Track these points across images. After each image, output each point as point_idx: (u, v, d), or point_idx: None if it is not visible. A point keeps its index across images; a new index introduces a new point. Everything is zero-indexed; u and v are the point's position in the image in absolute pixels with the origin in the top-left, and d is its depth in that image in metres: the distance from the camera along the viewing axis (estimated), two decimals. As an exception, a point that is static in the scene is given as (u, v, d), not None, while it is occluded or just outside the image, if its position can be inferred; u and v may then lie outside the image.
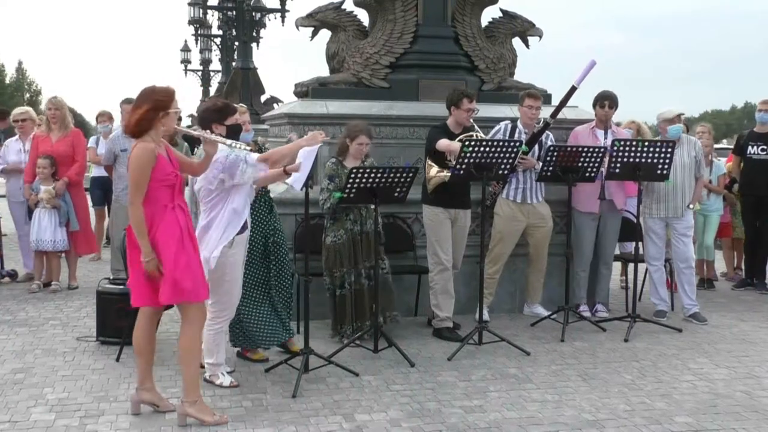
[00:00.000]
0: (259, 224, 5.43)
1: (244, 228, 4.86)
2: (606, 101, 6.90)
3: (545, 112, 6.74)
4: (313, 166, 5.00)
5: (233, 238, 4.76)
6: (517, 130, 6.69)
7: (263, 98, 16.78)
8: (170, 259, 4.14)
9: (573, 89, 6.52)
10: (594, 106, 7.00)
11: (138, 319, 4.43)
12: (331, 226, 5.96)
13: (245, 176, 4.69)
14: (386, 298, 6.01)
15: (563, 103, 6.63)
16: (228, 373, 5.08)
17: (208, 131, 4.53)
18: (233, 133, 4.88)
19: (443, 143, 6.08)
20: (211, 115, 4.88)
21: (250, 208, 5.23)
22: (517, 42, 8.07)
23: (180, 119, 10.05)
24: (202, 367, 4.98)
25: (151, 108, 4.20)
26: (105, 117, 10.22)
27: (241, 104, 5.53)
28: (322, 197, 5.87)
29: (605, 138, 6.83)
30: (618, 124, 7.73)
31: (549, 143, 6.75)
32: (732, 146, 9.38)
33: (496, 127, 6.74)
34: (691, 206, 7.00)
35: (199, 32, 23.17)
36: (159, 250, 4.16)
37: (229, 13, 18.64)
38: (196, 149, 5.44)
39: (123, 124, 8.04)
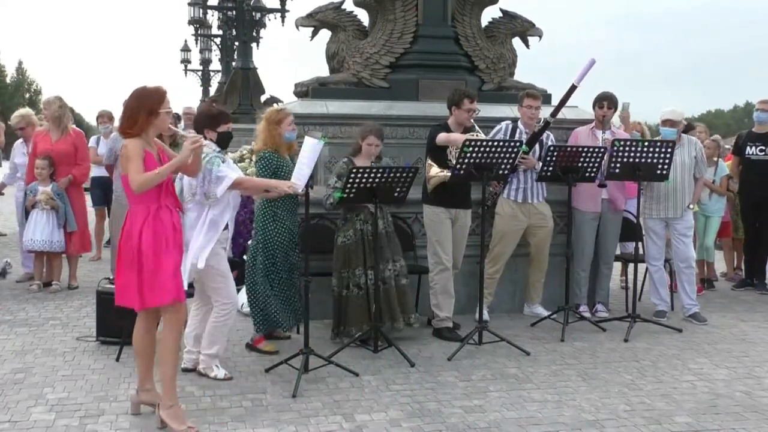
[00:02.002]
0: (289, 214, 5.66)
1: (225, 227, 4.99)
2: (605, 101, 6.90)
3: (545, 112, 6.74)
4: (314, 167, 5.04)
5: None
6: (518, 130, 6.70)
7: (263, 98, 16.73)
8: (149, 264, 4.11)
9: (573, 88, 6.51)
10: (593, 106, 7.00)
11: (137, 320, 4.42)
12: (343, 226, 5.99)
13: (219, 194, 4.82)
14: (404, 300, 6.02)
15: (563, 101, 6.61)
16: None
17: (191, 131, 4.66)
18: (223, 140, 5.10)
19: (442, 136, 6.09)
20: (205, 120, 5.11)
21: (280, 198, 5.47)
22: (517, 42, 8.09)
23: (179, 118, 10.08)
24: (202, 372, 5.07)
25: (141, 109, 4.19)
26: (105, 117, 10.23)
27: (280, 106, 5.70)
28: (326, 193, 5.91)
29: (603, 136, 6.83)
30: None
31: (549, 143, 6.75)
32: (731, 146, 9.37)
33: (497, 127, 6.74)
34: (691, 206, 6.99)
35: (199, 32, 23.14)
36: (138, 254, 4.12)
37: (229, 13, 18.61)
38: None
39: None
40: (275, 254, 5.63)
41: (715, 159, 8.44)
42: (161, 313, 4.28)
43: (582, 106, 7.51)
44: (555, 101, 7.04)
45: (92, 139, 10.04)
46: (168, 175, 4.26)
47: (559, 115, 6.76)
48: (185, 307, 4.40)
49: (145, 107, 4.21)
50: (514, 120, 6.81)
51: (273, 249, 5.63)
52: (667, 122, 6.82)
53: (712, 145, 8.58)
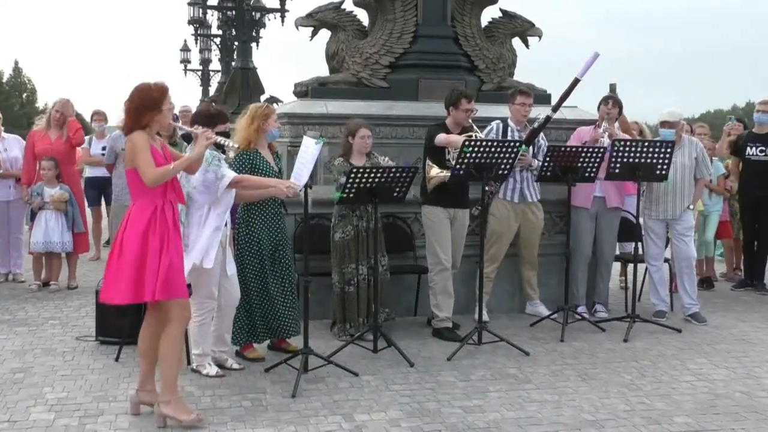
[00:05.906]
0: (269, 222, 5.49)
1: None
2: (610, 100, 6.92)
3: (536, 112, 6.72)
4: (314, 167, 5.05)
5: None
6: (509, 128, 6.69)
7: (263, 98, 16.73)
8: (155, 258, 4.12)
9: (576, 81, 6.47)
10: (599, 106, 6.99)
11: (144, 322, 4.40)
12: (339, 222, 6.01)
13: (220, 192, 4.91)
14: (383, 295, 6.04)
15: (566, 95, 6.56)
16: (236, 369, 5.24)
17: (200, 127, 4.64)
18: None
19: (441, 137, 6.10)
20: (203, 119, 5.11)
21: (260, 206, 5.41)
22: (517, 42, 8.09)
23: (177, 119, 10.06)
24: (195, 369, 5.09)
25: (145, 105, 4.22)
26: (99, 116, 10.20)
27: (269, 104, 5.69)
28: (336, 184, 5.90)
29: (604, 125, 6.80)
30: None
31: (542, 142, 6.74)
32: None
33: (488, 128, 6.71)
34: (692, 207, 6.99)
35: (198, 32, 23.12)
36: (143, 249, 4.12)
37: (229, 13, 18.60)
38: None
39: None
40: (244, 264, 5.41)
41: (711, 158, 8.43)
42: (170, 309, 4.25)
43: (582, 105, 7.52)
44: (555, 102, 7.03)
45: (85, 140, 9.97)
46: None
47: (559, 115, 6.75)
48: (188, 305, 4.44)
49: (148, 104, 4.23)
50: (503, 119, 6.78)
51: (242, 258, 5.41)
52: (665, 124, 6.84)
53: (711, 145, 8.58)
